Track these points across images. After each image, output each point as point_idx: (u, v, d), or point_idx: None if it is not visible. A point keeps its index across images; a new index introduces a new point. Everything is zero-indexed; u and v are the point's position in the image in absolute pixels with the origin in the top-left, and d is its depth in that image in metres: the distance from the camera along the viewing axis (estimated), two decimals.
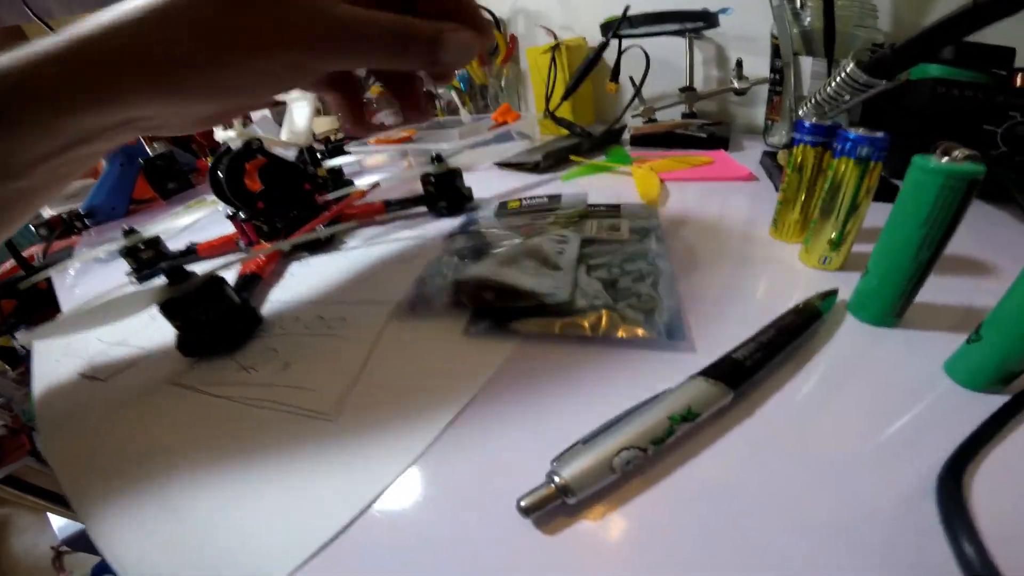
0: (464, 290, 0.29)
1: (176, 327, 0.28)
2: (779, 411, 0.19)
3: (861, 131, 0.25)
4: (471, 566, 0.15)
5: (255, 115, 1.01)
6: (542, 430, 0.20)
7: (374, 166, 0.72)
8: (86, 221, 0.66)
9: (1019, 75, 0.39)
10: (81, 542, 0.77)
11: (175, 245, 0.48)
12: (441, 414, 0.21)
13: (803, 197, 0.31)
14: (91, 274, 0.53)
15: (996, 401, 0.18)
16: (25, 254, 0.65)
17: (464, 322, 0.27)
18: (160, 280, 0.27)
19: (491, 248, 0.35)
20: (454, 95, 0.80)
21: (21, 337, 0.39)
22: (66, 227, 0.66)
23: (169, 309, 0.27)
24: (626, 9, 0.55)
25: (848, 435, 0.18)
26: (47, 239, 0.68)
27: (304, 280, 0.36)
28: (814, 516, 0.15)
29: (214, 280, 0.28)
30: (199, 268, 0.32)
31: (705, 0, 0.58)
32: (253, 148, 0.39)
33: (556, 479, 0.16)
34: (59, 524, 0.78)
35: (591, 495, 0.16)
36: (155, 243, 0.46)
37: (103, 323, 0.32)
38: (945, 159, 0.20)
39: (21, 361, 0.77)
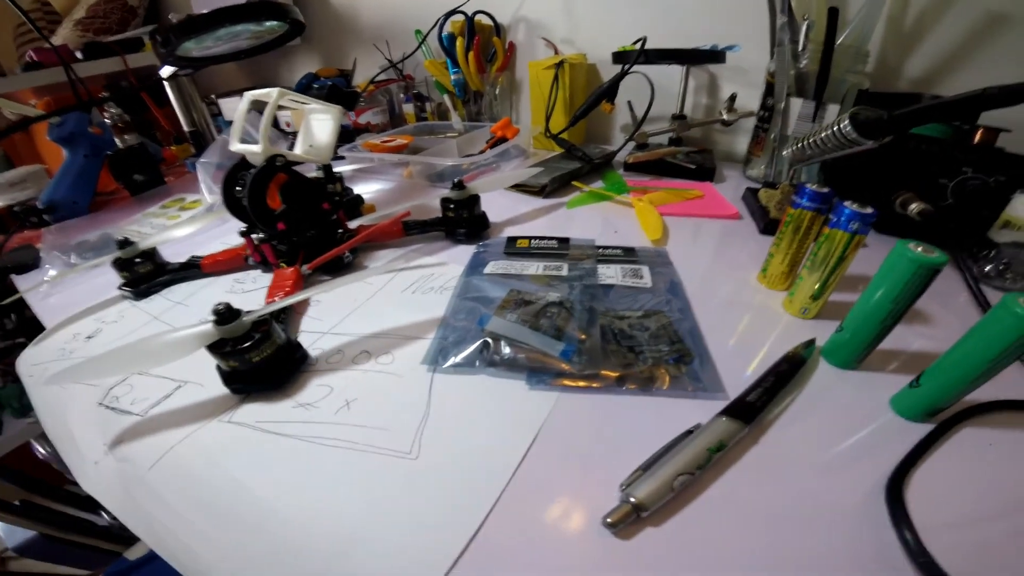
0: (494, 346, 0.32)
1: (229, 368, 0.30)
2: (776, 435, 0.27)
3: (854, 206, 0.30)
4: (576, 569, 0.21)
5: (231, 108, 0.97)
6: (596, 461, 0.26)
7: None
8: (45, 216, 0.62)
9: (979, 131, 0.44)
10: (33, 549, 0.75)
11: (169, 253, 0.48)
12: (511, 453, 0.26)
13: (792, 252, 0.37)
14: (67, 281, 0.51)
15: (925, 428, 0.26)
16: None
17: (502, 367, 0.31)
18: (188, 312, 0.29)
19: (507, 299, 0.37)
20: (446, 99, 0.82)
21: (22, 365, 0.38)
22: (21, 222, 0.62)
23: (222, 351, 0.29)
24: (643, 43, 0.60)
25: (823, 451, 0.26)
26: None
27: (332, 308, 0.39)
28: (803, 510, 0.23)
29: (264, 321, 0.30)
30: (203, 283, 0.35)
31: (710, 30, 0.64)
32: (276, 165, 0.40)
33: (632, 499, 0.22)
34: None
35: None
36: (151, 255, 0.46)
37: (135, 368, 0.33)
38: (919, 249, 0.26)
39: None
